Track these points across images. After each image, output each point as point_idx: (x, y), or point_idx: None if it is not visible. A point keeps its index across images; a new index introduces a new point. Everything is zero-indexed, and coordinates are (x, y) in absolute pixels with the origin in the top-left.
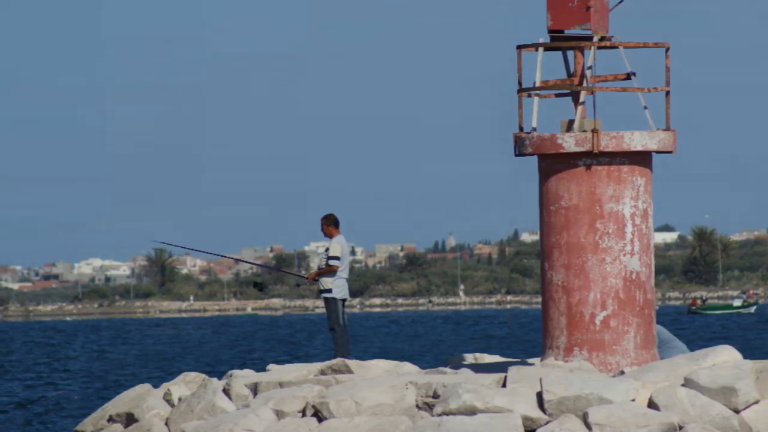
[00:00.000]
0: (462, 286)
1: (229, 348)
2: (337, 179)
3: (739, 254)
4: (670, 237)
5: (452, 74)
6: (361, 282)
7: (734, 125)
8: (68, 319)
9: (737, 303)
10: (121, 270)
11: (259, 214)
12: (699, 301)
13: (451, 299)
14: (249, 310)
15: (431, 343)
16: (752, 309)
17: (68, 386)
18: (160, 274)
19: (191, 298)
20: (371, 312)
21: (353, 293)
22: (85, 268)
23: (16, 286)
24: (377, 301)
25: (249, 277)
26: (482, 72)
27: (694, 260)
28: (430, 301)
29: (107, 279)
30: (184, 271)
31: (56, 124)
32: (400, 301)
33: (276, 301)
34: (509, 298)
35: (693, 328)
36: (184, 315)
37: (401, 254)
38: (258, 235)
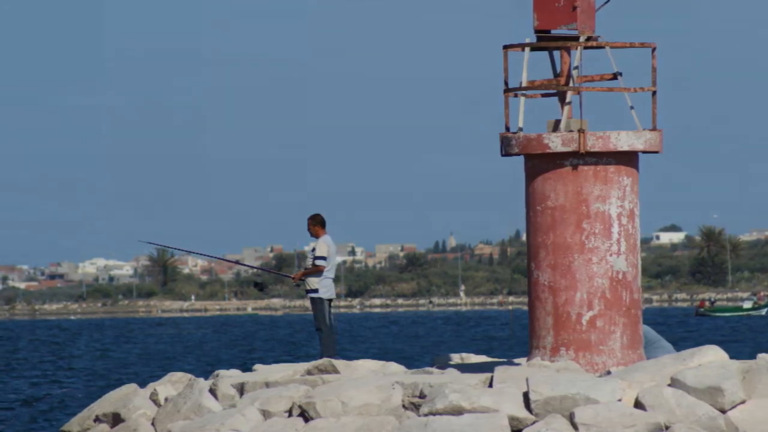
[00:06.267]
0: (463, 287)
1: (230, 348)
2: (337, 179)
3: (749, 255)
4: (677, 237)
5: (452, 73)
6: (361, 282)
7: (740, 123)
8: (73, 317)
9: (747, 305)
10: (124, 270)
11: (259, 214)
12: (707, 303)
13: (451, 300)
14: (249, 309)
15: (432, 344)
16: (763, 311)
17: (72, 384)
18: (162, 274)
19: (192, 297)
20: (371, 312)
21: (354, 293)
22: (90, 268)
23: (22, 285)
24: (377, 301)
25: (249, 277)
26: (482, 71)
27: (702, 261)
28: (430, 302)
29: (111, 278)
30: (186, 270)
31: (59, 124)
32: (400, 301)
33: (276, 301)
34: (511, 299)
35: (701, 331)
36: (185, 314)
37: (401, 254)
38: (258, 235)
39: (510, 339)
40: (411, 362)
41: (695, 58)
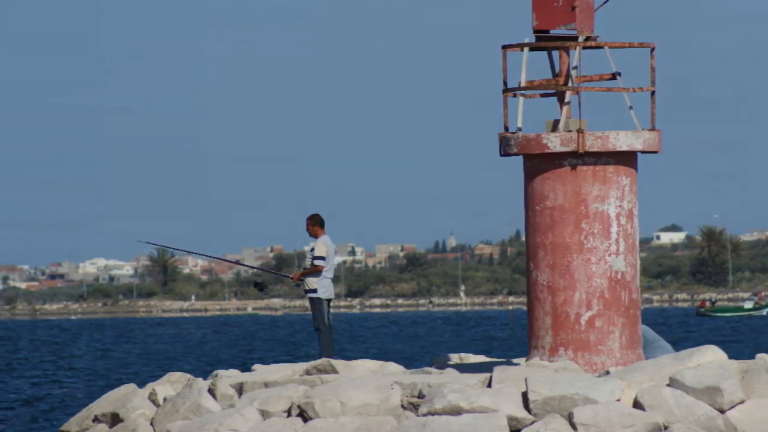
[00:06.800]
0: (463, 287)
1: (230, 348)
2: (337, 179)
3: (750, 255)
4: (677, 237)
5: (452, 73)
6: (361, 282)
7: (741, 122)
8: (73, 317)
9: (748, 305)
10: (125, 270)
11: (259, 214)
12: (708, 303)
13: (451, 300)
14: (249, 309)
15: (432, 345)
16: (764, 311)
17: (73, 384)
18: (163, 274)
19: (193, 297)
20: (371, 312)
21: (354, 293)
22: (90, 268)
23: (23, 285)
24: (377, 301)
25: (249, 277)
26: (482, 71)
27: (703, 261)
28: (430, 302)
29: (111, 278)
30: (186, 270)
31: (59, 124)
32: (400, 301)
33: (276, 301)
34: (511, 299)
35: (702, 331)
36: (185, 314)
37: (401, 254)
38: (258, 235)
39: (510, 339)
40: (411, 362)
41: (696, 56)
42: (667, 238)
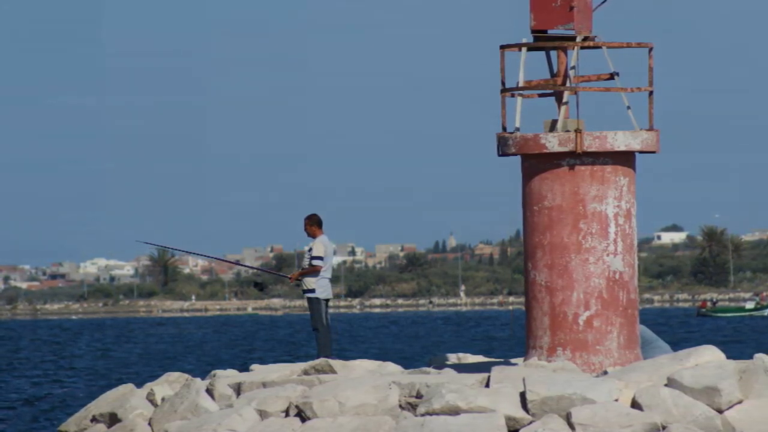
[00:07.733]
0: (463, 287)
1: (230, 347)
2: (337, 178)
3: (751, 255)
4: (678, 237)
5: (451, 73)
6: (361, 282)
7: (742, 122)
8: (74, 317)
9: (750, 305)
10: (125, 270)
11: (259, 214)
12: (709, 304)
13: (452, 300)
14: (250, 309)
15: (432, 345)
16: (765, 312)
17: (73, 384)
18: (163, 274)
19: (193, 297)
20: (371, 312)
21: (354, 293)
22: (91, 268)
23: (24, 285)
24: (377, 301)
25: (250, 277)
26: (481, 71)
27: (704, 261)
28: (430, 302)
29: (111, 278)
30: (186, 270)
31: (59, 124)
32: (400, 301)
33: (276, 301)
34: (511, 299)
35: (703, 331)
36: (186, 314)
37: (401, 254)
38: (258, 235)
39: (510, 339)
40: (411, 362)
41: (698, 56)
42: (668, 238)
